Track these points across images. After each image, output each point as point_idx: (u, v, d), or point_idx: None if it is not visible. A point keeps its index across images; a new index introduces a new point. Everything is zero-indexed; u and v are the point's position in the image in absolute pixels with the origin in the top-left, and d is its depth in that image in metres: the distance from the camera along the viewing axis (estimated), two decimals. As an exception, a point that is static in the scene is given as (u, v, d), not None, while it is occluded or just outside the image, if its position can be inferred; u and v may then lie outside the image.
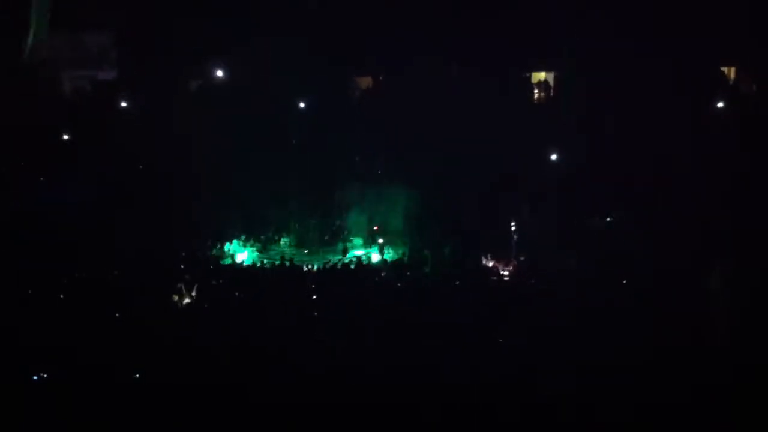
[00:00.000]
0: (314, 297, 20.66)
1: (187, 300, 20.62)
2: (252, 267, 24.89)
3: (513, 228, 25.83)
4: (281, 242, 27.69)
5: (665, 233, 23.19)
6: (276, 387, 15.03)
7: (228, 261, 25.65)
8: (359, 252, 26.53)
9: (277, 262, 24.94)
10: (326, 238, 27.44)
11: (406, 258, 25.43)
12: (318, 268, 23.98)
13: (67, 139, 29.69)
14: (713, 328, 17.59)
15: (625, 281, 21.21)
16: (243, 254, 26.54)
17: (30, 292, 19.82)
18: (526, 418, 14.20)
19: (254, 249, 26.93)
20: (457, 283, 22.23)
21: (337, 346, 16.86)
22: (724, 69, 30.95)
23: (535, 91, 32.01)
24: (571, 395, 14.61)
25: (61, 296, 20.20)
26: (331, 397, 14.65)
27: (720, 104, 28.55)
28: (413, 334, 17.39)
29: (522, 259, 24.62)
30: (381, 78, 32.18)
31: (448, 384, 15.07)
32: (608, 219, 26.07)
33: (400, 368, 15.58)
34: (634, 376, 15.04)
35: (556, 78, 31.65)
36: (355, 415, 14.28)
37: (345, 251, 26.46)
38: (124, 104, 31.06)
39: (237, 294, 21.30)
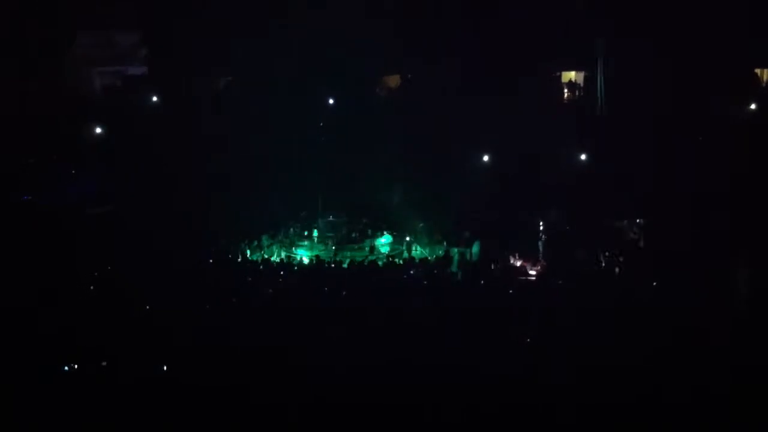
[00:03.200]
0: (343, 293, 20.68)
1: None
2: (280, 264, 24.98)
3: (541, 228, 25.77)
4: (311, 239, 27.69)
5: (690, 235, 23.04)
6: (294, 387, 15.11)
7: (257, 257, 25.72)
8: (387, 250, 26.55)
9: (306, 260, 25.01)
10: (354, 235, 27.40)
11: (433, 256, 25.38)
12: (345, 266, 24.06)
13: (94, 135, 30.02)
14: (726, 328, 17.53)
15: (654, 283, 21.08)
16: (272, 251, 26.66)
17: (55, 287, 19.94)
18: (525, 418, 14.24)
19: (282, 246, 26.96)
20: (483, 282, 22.21)
21: (358, 344, 16.92)
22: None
23: (565, 90, 31.95)
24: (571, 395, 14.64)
25: (89, 291, 20.40)
26: (348, 397, 14.71)
27: (753, 106, 28.30)
28: (434, 334, 17.42)
29: (550, 260, 24.52)
30: (409, 77, 32.23)
31: (462, 384, 15.09)
32: (638, 221, 25.89)
33: (421, 368, 15.60)
34: (643, 376, 15.07)
35: (585, 78, 31.51)
36: (371, 415, 14.33)
37: (372, 249, 26.47)
38: (155, 99, 31.35)
39: (262, 290, 21.39)
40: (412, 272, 22.96)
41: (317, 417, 14.19)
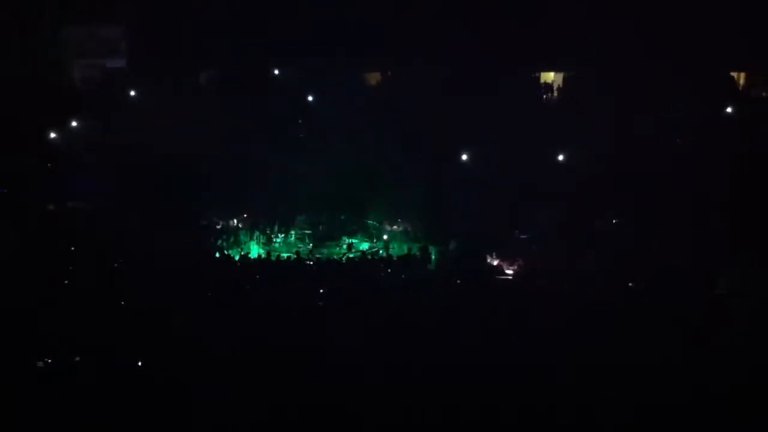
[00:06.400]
0: (320, 291, 20.71)
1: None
2: (257, 260, 24.96)
3: (519, 227, 25.87)
4: (288, 236, 27.65)
5: (670, 235, 23.19)
6: (273, 385, 15.16)
7: (235, 252, 25.71)
8: (364, 247, 26.59)
9: (283, 256, 25.02)
10: (333, 232, 27.41)
11: (410, 254, 25.43)
12: (322, 263, 24.11)
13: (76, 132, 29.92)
14: (717, 329, 17.66)
15: (630, 283, 21.22)
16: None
17: (41, 284, 19.92)
18: (525, 418, 14.30)
19: (260, 242, 26.96)
20: (459, 282, 22.28)
21: (334, 344, 16.95)
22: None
23: (544, 91, 32.06)
24: (571, 395, 14.70)
25: (71, 288, 20.37)
26: (326, 398, 14.78)
27: (729, 109, 28.52)
28: (411, 333, 17.48)
29: (527, 258, 24.61)
30: (390, 74, 32.28)
31: (441, 384, 15.17)
32: (614, 221, 26.02)
33: (394, 367, 15.68)
34: (635, 377, 15.14)
35: (565, 79, 31.68)
36: (368, 415, 14.39)
37: (350, 246, 26.52)
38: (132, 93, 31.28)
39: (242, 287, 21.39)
40: (389, 270, 23.09)
41: (316, 417, 14.26)
